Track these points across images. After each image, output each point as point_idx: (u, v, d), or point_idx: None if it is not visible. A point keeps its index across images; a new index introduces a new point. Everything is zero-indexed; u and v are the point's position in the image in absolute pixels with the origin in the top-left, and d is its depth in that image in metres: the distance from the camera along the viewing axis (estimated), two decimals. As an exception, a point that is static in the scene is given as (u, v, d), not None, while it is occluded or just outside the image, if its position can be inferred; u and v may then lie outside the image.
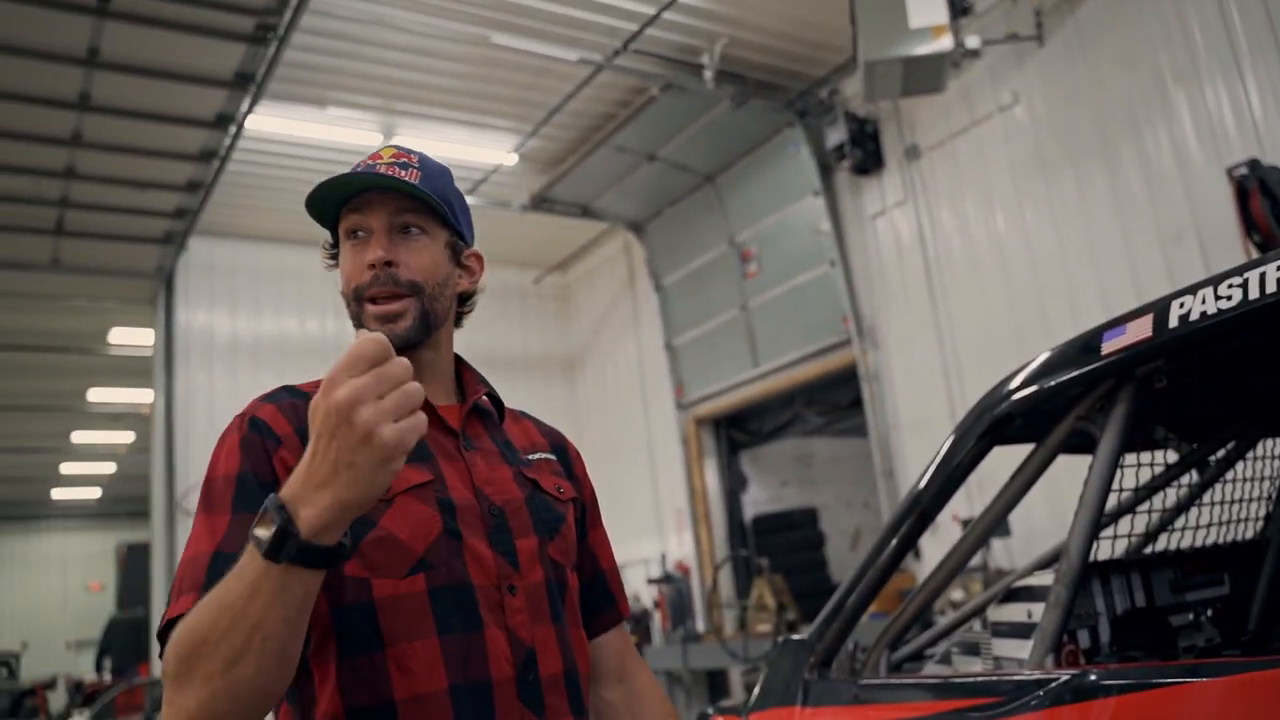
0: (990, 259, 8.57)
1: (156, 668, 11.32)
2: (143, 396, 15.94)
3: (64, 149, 9.26)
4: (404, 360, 1.07)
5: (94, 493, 25.62)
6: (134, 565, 17.82)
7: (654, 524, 12.49)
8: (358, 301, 1.47)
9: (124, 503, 25.55)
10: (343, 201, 1.50)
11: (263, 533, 1.07)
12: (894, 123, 9.43)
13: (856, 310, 9.71)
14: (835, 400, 10.65)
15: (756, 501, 12.20)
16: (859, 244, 9.80)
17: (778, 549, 11.00)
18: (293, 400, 1.42)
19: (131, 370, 15.11)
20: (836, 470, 13.01)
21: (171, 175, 10.00)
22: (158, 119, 8.96)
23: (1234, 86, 6.95)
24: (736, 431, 12.06)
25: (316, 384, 1.31)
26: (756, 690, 2.39)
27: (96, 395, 17.12)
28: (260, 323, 12.37)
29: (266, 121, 9.59)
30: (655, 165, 10.97)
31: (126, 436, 19.82)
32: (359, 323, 1.47)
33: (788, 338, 10.49)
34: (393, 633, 1.28)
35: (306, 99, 9.49)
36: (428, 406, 1.39)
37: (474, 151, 10.75)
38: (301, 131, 9.99)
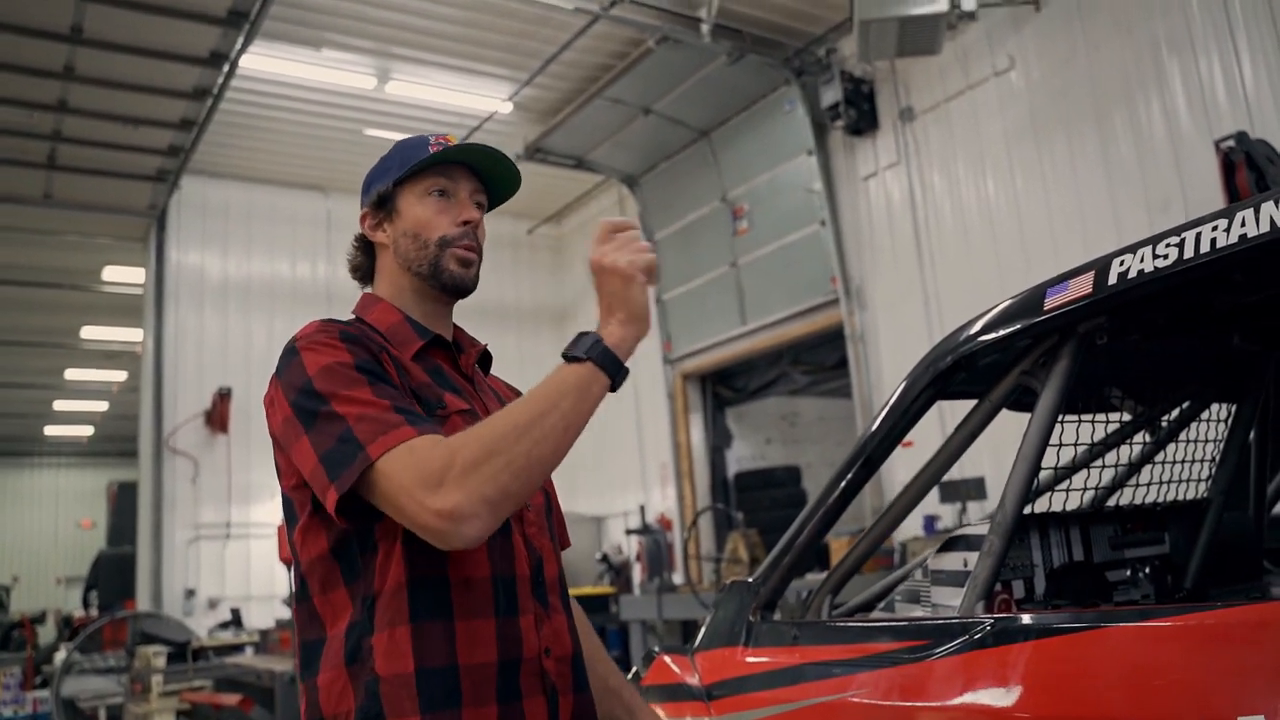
0: (979, 223, 8.58)
1: (141, 603, 11.45)
2: (136, 335, 15.92)
3: (56, 82, 9.21)
4: (630, 221, 1.54)
5: (86, 430, 25.70)
6: (124, 504, 17.86)
7: (638, 477, 12.58)
8: (441, 247, 1.70)
9: (116, 441, 25.60)
10: (423, 161, 1.71)
11: (588, 346, 1.47)
12: (889, 84, 9.39)
13: (845, 271, 9.73)
14: (821, 360, 10.69)
15: (740, 458, 12.27)
16: (850, 204, 9.80)
17: (760, 506, 11.08)
18: (357, 325, 1.64)
19: (125, 308, 15.10)
20: (821, 430, 13.09)
21: (164, 112, 9.94)
22: (151, 54, 8.90)
23: (1227, 58, 6.93)
24: (723, 388, 12.11)
25: (349, 322, 1.65)
26: (703, 630, 2.45)
27: (90, 333, 17.13)
28: (251, 264, 12.38)
29: (261, 61, 9.55)
30: (650, 119, 10.93)
31: (119, 375, 19.84)
32: (435, 263, 1.70)
33: (776, 296, 10.51)
34: None
35: (302, 40, 9.44)
36: (446, 352, 1.74)
37: (468, 99, 10.71)
38: (295, 72, 9.95)
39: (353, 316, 1.72)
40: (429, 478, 1.36)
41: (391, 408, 1.44)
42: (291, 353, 1.55)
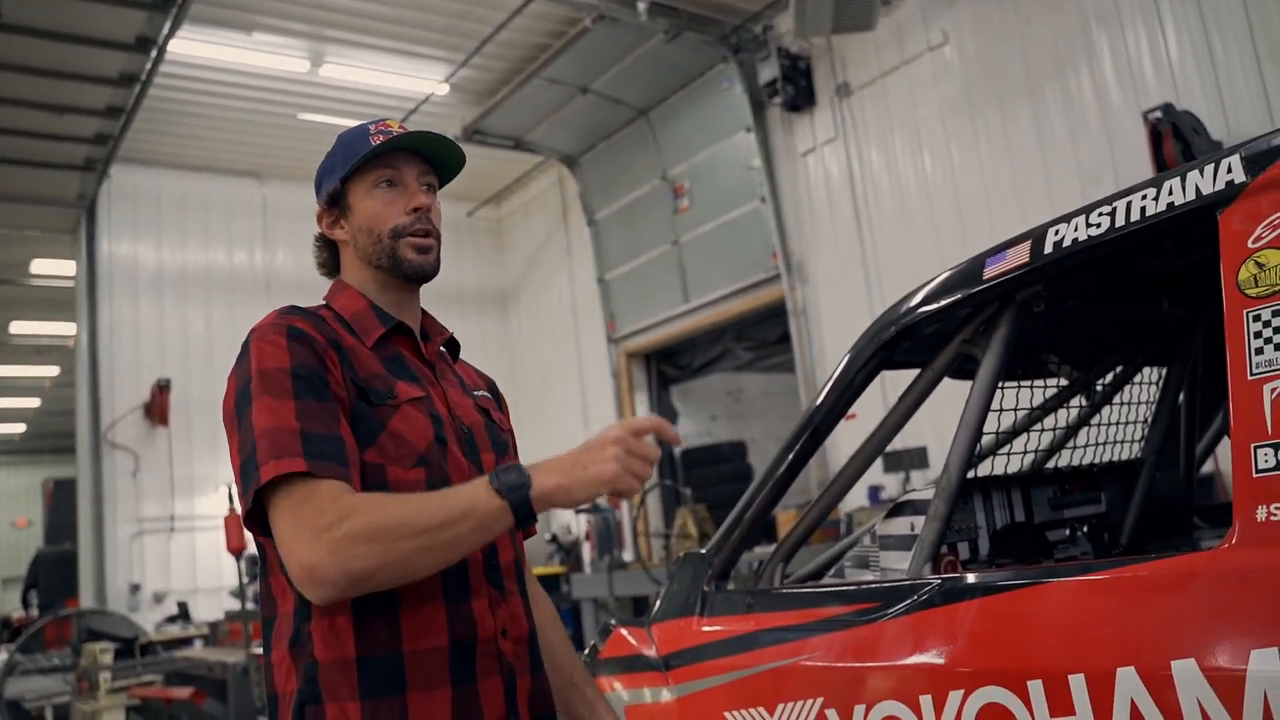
0: (917, 197, 8.71)
1: (84, 600, 11.27)
2: (67, 329, 15.61)
3: (-25, 69, 8.97)
4: (656, 448, 1.52)
5: (18, 428, 25.13)
6: (61, 501, 17.55)
7: (585, 457, 12.57)
8: (394, 238, 1.72)
9: (49, 438, 25.08)
10: (365, 156, 1.72)
11: (512, 484, 1.44)
12: (826, 60, 9.47)
13: (786, 246, 9.81)
14: (764, 335, 10.78)
15: (686, 435, 12.34)
16: (790, 181, 9.88)
17: (706, 482, 11.16)
18: (311, 317, 1.65)
19: (55, 302, 14.77)
20: (765, 405, 13.21)
21: (91, 99, 9.71)
22: (75, 40, 8.68)
23: (1153, 31, 7.09)
24: (667, 366, 12.16)
25: (315, 308, 1.71)
26: (658, 602, 2.49)
27: (19, 328, 16.74)
28: (186, 254, 12.17)
29: (190, 45, 9.36)
30: (589, 98, 10.91)
31: (51, 370, 19.43)
32: (391, 255, 1.72)
33: (718, 273, 10.57)
34: None
35: (232, 23, 9.27)
36: (408, 339, 1.76)
37: (405, 81, 10.61)
38: (226, 56, 9.77)
39: (322, 302, 1.77)
40: (312, 528, 1.41)
41: (299, 433, 1.47)
42: (245, 345, 1.59)
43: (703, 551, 2.43)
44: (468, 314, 14.03)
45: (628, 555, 10.38)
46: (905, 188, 8.82)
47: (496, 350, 14.20)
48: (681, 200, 10.92)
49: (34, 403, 22.46)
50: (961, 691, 1.67)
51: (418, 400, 1.65)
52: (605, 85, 10.72)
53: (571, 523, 11.68)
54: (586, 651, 2.67)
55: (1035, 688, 1.56)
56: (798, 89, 9.51)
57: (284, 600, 1.59)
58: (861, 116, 9.21)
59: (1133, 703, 1.43)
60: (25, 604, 16.25)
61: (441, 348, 1.86)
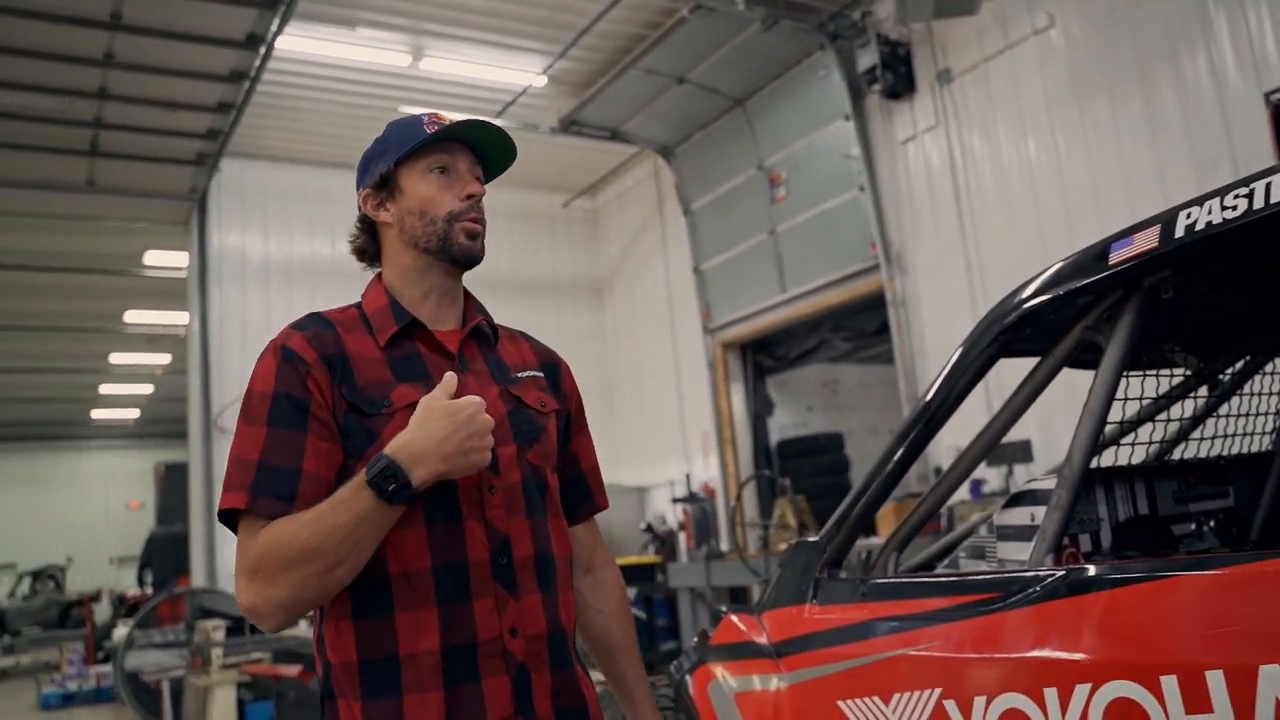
0: (1021, 185, 8.51)
1: (196, 578, 11.67)
2: (178, 318, 16.15)
3: (97, 69, 9.32)
4: (474, 398, 1.57)
5: (132, 413, 26.10)
6: (172, 484, 18.19)
7: (680, 447, 12.63)
8: (449, 222, 1.75)
9: (161, 423, 26.02)
10: (423, 140, 1.76)
11: (381, 481, 1.49)
12: (926, 46, 9.30)
13: (885, 236, 9.68)
14: (862, 326, 10.65)
15: (782, 426, 12.28)
16: (889, 169, 9.74)
17: (802, 473, 11.10)
18: (317, 329, 1.70)
19: (167, 292, 15.31)
20: (862, 396, 13.07)
21: (203, 96, 10.04)
22: (189, 39, 8.98)
23: (1276, 9, 6.81)
24: (763, 356, 12.10)
25: (342, 310, 1.77)
26: (769, 589, 2.48)
27: (133, 317, 17.36)
28: (292, 244, 12.48)
29: (296, 42, 9.60)
30: (685, 88, 10.90)
31: (163, 358, 20.11)
32: (444, 238, 1.75)
33: (815, 263, 10.48)
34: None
35: (336, 19, 9.48)
36: (427, 334, 1.75)
37: (503, 73, 10.72)
38: (330, 52, 10.00)
39: (328, 311, 1.80)
40: (242, 569, 1.53)
41: (256, 464, 1.56)
42: (259, 359, 1.69)
43: (814, 539, 2.41)
44: (562, 304, 14.17)
45: (724, 545, 10.37)
46: (1008, 176, 8.62)
47: (591, 340, 14.30)
48: (778, 190, 10.85)
49: (147, 389, 23.30)
50: (1089, 685, 1.63)
51: (416, 405, 1.62)
52: (701, 75, 10.69)
53: (667, 513, 11.73)
54: (696, 638, 2.68)
55: (1169, 683, 1.52)
56: (897, 76, 9.37)
57: None
58: (963, 103, 9.03)
59: (1277, 701, 1.38)
60: (140, 582, 16.93)
61: (479, 331, 1.84)
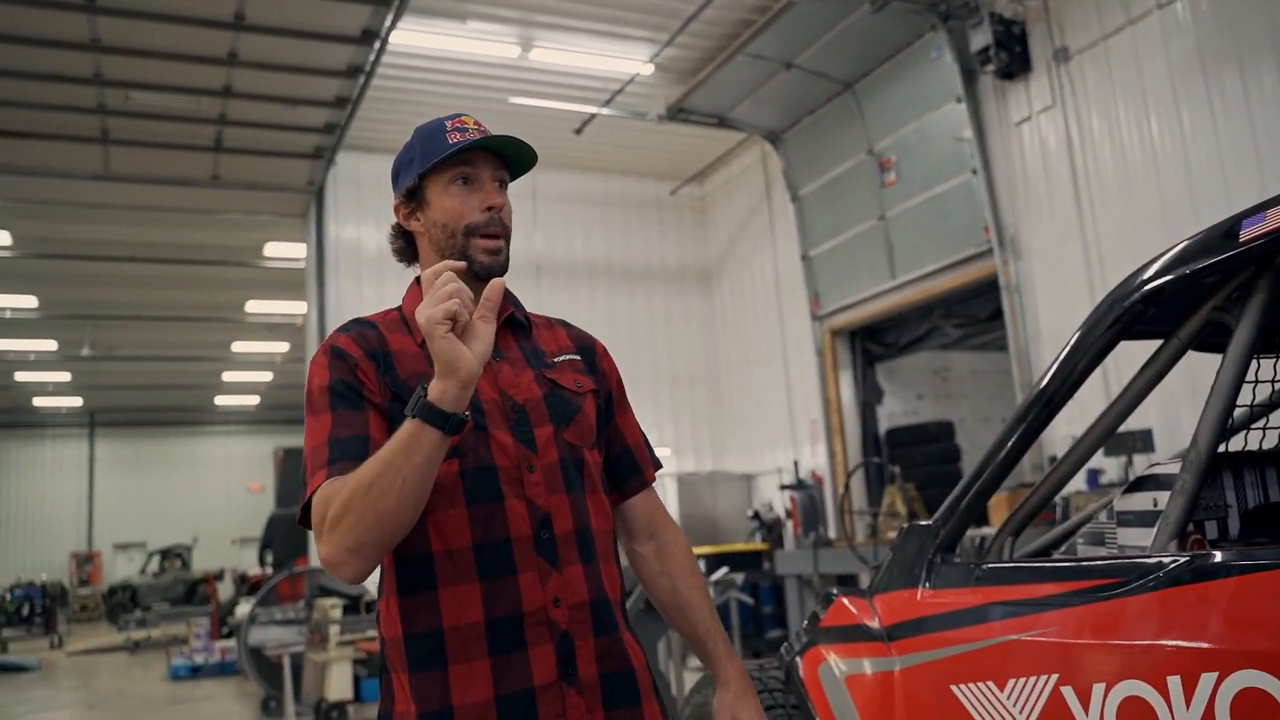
0: (1142, 167, 8.23)
1: (314, 559, 12.05)
2: (296, 308, 16.71)
3: (221, 68, 9.68)
4: (446, 273, 1.54)
5: (253, 400, 27.06)
6: (290, 468, 18.81)
7: (788, 434, 12.58)
8: (468, 235, 1.81)
9: (280, 409, 26.94)
10: (443, 156, 1.81)
11: (413, 401, 1.52)
12: (1042, 23, 9.05)
13: (998, 220, 9.48)
14: (974, 313, 10.46)
15: (892, 414, 12.15)
16: (1002, 152, 9.52)
17: (912, 462, 10.96)
18: (360, 330, 1.82)
19: (286, 282, 15.84)
20: (974, 384, 12.83)
21: (321, 91, 10.36)
22: (308, 36, 9.27)
23: None
24: (872, 343, 11.97)
25: (383, 313, 1.88)
26: (882, 571, 2.47)
27: (254, 306, 18.00)
28: (405, 235, 12.78)
29: (409, 36, 9.82)
30: (792, 73, 10.81)
31: (281, 346, 20.81)
32: (463, 253, 1.80)
33: (926, 248, 10.32)
34: (431, 504, 1.65)
35: (447, 13, 9.67)
36: None
37: (610, 62, 10.79)
38: (442, 45, 10.19)
39: (371, 315, 1.90)
40: (316, 527, 1.60)
41: (328, 443, 1.66)
42: (311, 362, 1.80)
43: (928, 523, 2.39)
44: (670, 291, 14.22)
45: (831, 533, 10.30)
46: (1129, 157, 8.35)
47: (699, 327, 14.33)
48: (888, 174, 10.69)
49: (266, 376, 24.13)
50: (1215, 674, 1.59)
51: None
52: (809, 60, 10.59)
53: (775, 500, 11.70)
54: (806, 620, 2.68)
55: (1301, 671, 1.47)
56: (1012, 55, 9.14)
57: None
58: (1081, 82, 8.77)
59: None
60: (261, 562, 17.55)
61: (514, 321, 1.92)
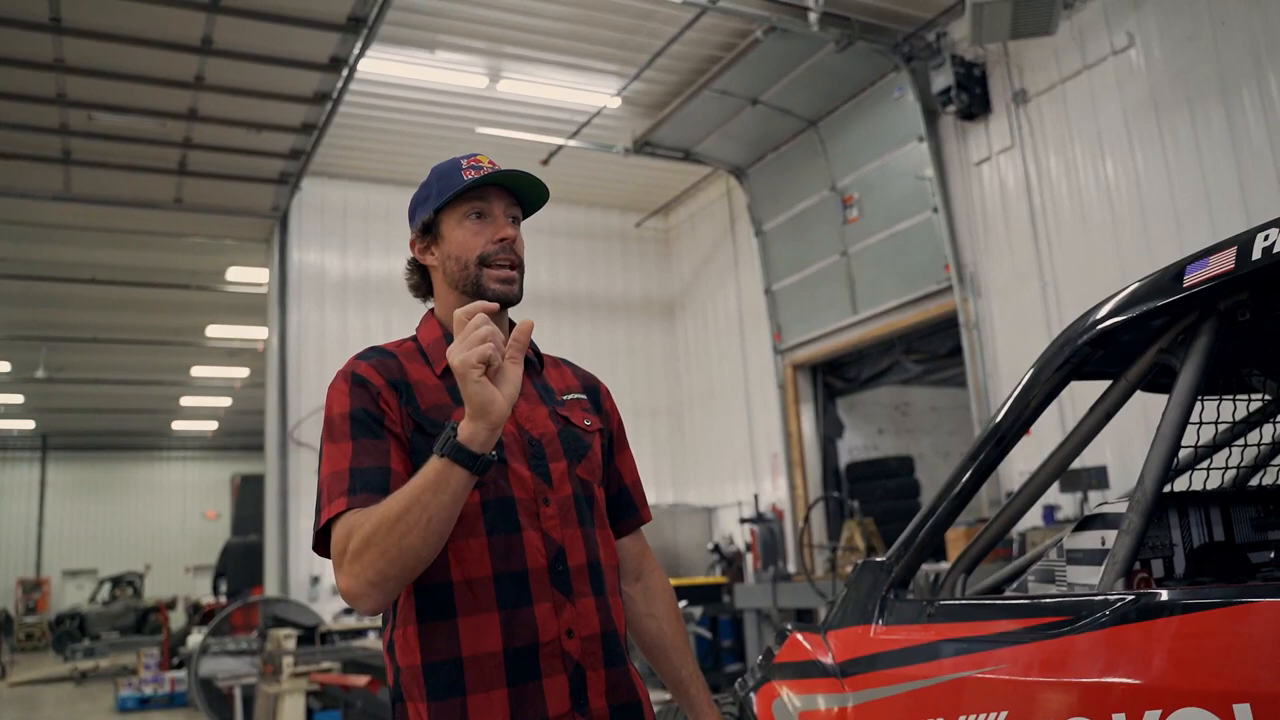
0: (1098, 207, 8.39)
1: (269, 588, 11.90)
2: (257, 333, 16.59)
3: (187, 91, 9.63)
4: (479, 315, 1.56)
5: (211, 425, 26.75)
6: (247, 495, 18.68)
7: (749, 467, 12.60)
8: (480, 265, 1.87)
9: (238, 435, 26.64)
10: (459, 190, 1.88)
11: (442, 440, 1.56)
12: (1002, 66, 9.23)
13: (958, 258, 9.60)
14: (934, 349, 10.57)
15: (852, 448, 12.21)
16: (963, 191, 9.66)
17: (872, 496, 11.01)
18: (380, 358, 1.84)
19: (248, 307, 15.73)
20: (934, 419, 12.93)
21: (287, 117, 10.32)
22: (275, 62, 9.25)
23: (1366, 27, 6.65)
24: (834, 378, 12.05)
25: (398, 343, 1.91)
26: (835, 608, 2.48)
27: (214, 331, 17.86)
28: (368, 262, 12.73)
29: (378, 65, 9.82)
30: (758, 109, 10.93)
31: (241, 372, 20.62)
32: (476, 283, 1.86)
33: (888, 284, 10.42)
34: (452, 534, 1.66)
35: (416, 42, 9.69)
36: None
37: (577, 94, 10.85)
38: (410, 74, 10.21)
39: (388, 344, 1.94)
40: (336, 558, 1.63)
41: (349, 471, 1.68)
42: (330, 388, 1.82)
43: (882, 559, 2.41)
44: (634, 323, 14.24)
45: (791, 567, 10.31)
46: (1086, 197, 8.51)
47: (661, 360, 14.35)
48: (850, 210, 10.81)
49: (225, 402, 23.88)
50: (1159, 711, 1.61)
51: None
52: (775, 96, 10.72)
53: (735, 533, 11.69)
54: (761, 656, 2.69)
55: (1242, 711, 1.49)
56: (972, 96, 9.30)
57: (387, 610, 1.81)
58: (1039, 124, 8.94)
59: (1353, 729, 1.35)
60: (215, 590, 17.31)
61: (526, 356, 1.94)
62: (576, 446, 1.89)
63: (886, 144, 10.36)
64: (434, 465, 1.55)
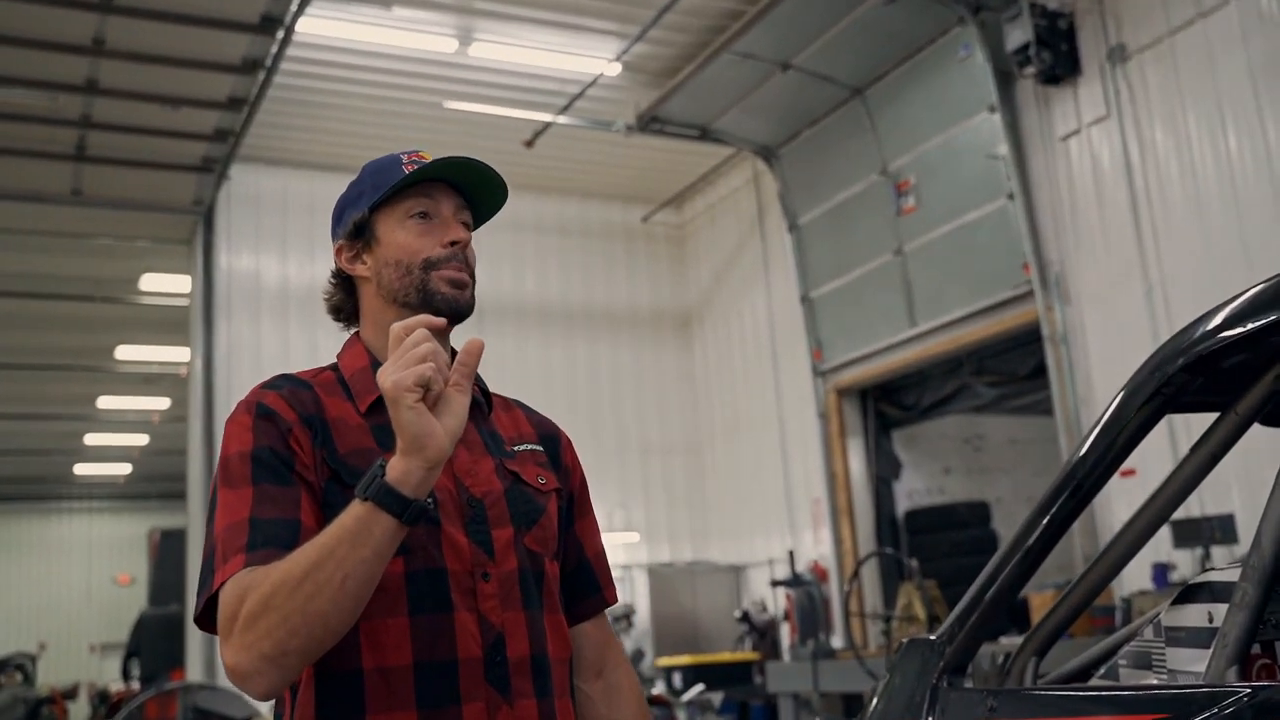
0: (1218, 188, 8.36)
1: (192, 672, 11.88)
2: (180, 354, 16.57)
3: (84, 58, 9.66)
4: (419, 330, 1.56)
5: (123, 469, 26.74)
6: (168, 554, 18.61)
7: (784, 517, 12.56)
8: (426, 270, 1.86)
9: (158, 481, 26.61)
10: (399, 182, 1.89)
11: (367, 481, 1.52)
12: (1094, 17, 9.22)
13: (1041, 255, 9.57)
14: (1012, 368, 10.54)
15: (912, 492, 12.19)
16: (1045, 172, 9.64)
17: (938, 552, 10.97)
18: (293, 388, 1.83)
19: (167, 323, 15.72)
20: (1014, 456, 12.89)
21: (209, 89, 10.36)
22: (194, 21, 9.28)
23: None
24: (888, 405, 12.03)
25: (315, 371, 1.90)
26: (875, 700, 2.45)
27: (126, 353, 17.84)
28: (314, 267, 12.70)
29: (321, 25, 9.87)
30: (790, 76, 10.93)
31: (161, 402, 20.62)
32: (422, 289, 1.86)
33: (953, 290, 10.40)
34: (368, 609, 1.61)
35: (367, -3, 9.74)
36: None
37: (567, 60, 10.89)
38: (361, 36, 10.25)
39: (300, 372, 1.92)
40: (224, 625, 1.57)
41: (248, 522, 1.64)
42: (228, 421, 1.80)
43: (933, 638, 2.37)
44: (642, 340, 14.23)
45: (837, 641, 10.25)
46: (1201, 177, 8.48)
47: (676, 385, 14.34)
48: (906, 199, 10.79)
49: (141, 440, 23.89)
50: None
51: None
52: (810, 60, 10.72)
53: (768, 598, 11.64)
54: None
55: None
56: (1057, 55, 9.28)
57: (283, 698, 1.78)
58: (1142, 87, 8.92)
59: None
60: (126, 675, 17.27)
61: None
62: (526, 510, 1.87)
63: (950, 116, 10.35)
64: (354, 511, 1.52)
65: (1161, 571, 8.16)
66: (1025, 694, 2.16)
